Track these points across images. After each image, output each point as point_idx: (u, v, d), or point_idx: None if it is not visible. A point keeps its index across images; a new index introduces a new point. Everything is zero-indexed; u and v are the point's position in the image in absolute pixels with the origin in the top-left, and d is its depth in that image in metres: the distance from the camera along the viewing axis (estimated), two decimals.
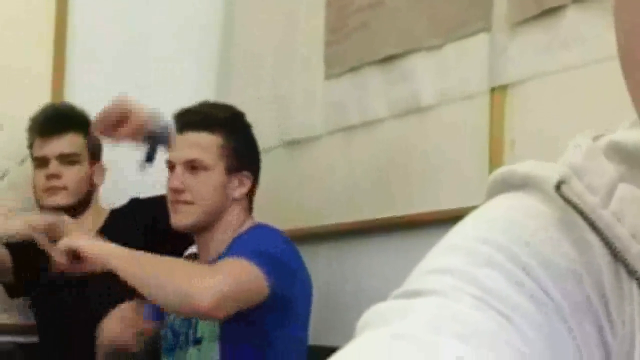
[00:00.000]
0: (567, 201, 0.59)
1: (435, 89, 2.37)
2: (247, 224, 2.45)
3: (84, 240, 2.25)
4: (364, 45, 2.59)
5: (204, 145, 2.39)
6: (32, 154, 2.84)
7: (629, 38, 0.55)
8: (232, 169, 2.41)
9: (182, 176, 2.38)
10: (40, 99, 3.00)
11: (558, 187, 0.60)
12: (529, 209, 0.60)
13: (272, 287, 2.23)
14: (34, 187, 2.82)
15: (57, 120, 2.79)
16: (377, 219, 2.51)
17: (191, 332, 2.37)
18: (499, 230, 0.59)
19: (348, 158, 2.66)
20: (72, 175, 2.77)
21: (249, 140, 2.49)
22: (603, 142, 0.62)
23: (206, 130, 2.40)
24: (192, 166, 2.38)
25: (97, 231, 2.69)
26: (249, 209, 2.49)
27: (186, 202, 2.38)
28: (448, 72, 2.34)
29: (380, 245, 2.53)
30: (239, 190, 2.43)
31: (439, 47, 2.36)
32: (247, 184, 2.44)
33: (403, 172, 2.47)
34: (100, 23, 3.15)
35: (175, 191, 2.39)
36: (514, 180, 0.63)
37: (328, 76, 2.73)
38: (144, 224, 2.66)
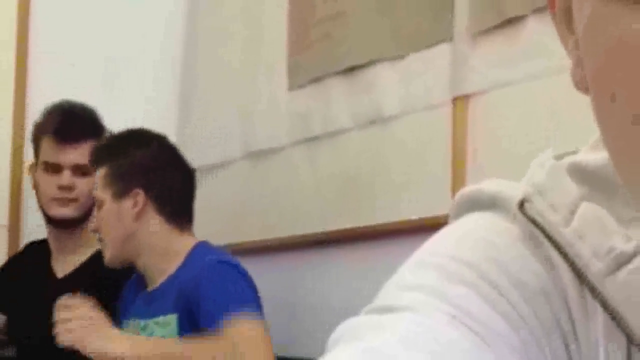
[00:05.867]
0: (530, 219, 0.59)
1: (398, 99, 2.38)
2: (182, 244, 2.40)
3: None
4: (326, 56, 2.60)
5: (97, 182, 2.45)
6: (38, 154, 2.66)
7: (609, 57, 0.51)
8: (120, 193, 2.41)
9: (95, 214, 2.47)
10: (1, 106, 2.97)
11: (521, 205, 0.60)
12: (496, 227, 0.61)
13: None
14: (40, 192, 2.66)
15: (78, 126, 2.62)
16: (341, 230, 2.51)
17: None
18: (468, 248, 0.59)
19: (312, 169, 2.66)
20: (84, 187, 2.62)
21: (133, 158, 2.42)
22: (566, 162, 0.62)
23: (96, 167, 2.45)
24: (97, 204, 2.45)
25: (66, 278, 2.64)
26: (176, 224, 2.43)
27: (101, 240, 2.44)
28: (411, 82, 2.34)
29: (344, 256, 2.52)
30: (134, 209, 2.40)
31: (402, 57, 2.36)
32: (140, 199, 2.40)
33: (367, 182, 2.47)
34: (62, 25, 3.11)
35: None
36: (481, 200, 0.63)
37: (291, 87, 2.73)
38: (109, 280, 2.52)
